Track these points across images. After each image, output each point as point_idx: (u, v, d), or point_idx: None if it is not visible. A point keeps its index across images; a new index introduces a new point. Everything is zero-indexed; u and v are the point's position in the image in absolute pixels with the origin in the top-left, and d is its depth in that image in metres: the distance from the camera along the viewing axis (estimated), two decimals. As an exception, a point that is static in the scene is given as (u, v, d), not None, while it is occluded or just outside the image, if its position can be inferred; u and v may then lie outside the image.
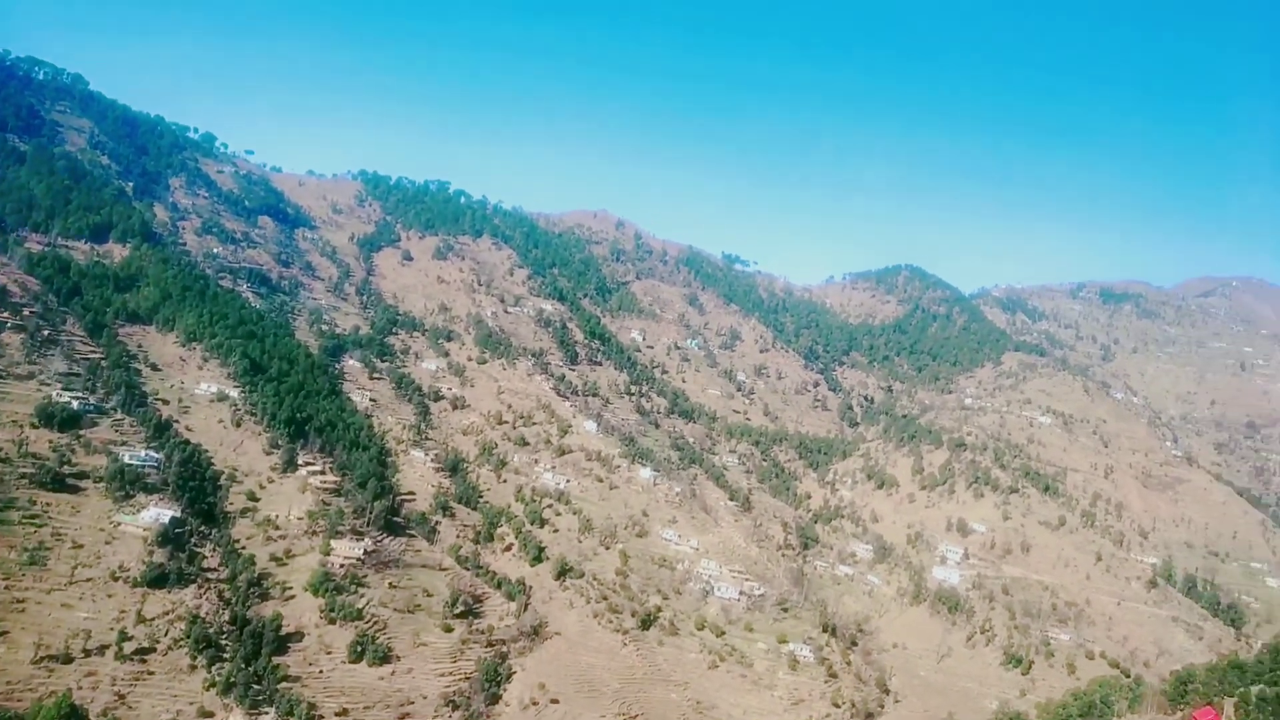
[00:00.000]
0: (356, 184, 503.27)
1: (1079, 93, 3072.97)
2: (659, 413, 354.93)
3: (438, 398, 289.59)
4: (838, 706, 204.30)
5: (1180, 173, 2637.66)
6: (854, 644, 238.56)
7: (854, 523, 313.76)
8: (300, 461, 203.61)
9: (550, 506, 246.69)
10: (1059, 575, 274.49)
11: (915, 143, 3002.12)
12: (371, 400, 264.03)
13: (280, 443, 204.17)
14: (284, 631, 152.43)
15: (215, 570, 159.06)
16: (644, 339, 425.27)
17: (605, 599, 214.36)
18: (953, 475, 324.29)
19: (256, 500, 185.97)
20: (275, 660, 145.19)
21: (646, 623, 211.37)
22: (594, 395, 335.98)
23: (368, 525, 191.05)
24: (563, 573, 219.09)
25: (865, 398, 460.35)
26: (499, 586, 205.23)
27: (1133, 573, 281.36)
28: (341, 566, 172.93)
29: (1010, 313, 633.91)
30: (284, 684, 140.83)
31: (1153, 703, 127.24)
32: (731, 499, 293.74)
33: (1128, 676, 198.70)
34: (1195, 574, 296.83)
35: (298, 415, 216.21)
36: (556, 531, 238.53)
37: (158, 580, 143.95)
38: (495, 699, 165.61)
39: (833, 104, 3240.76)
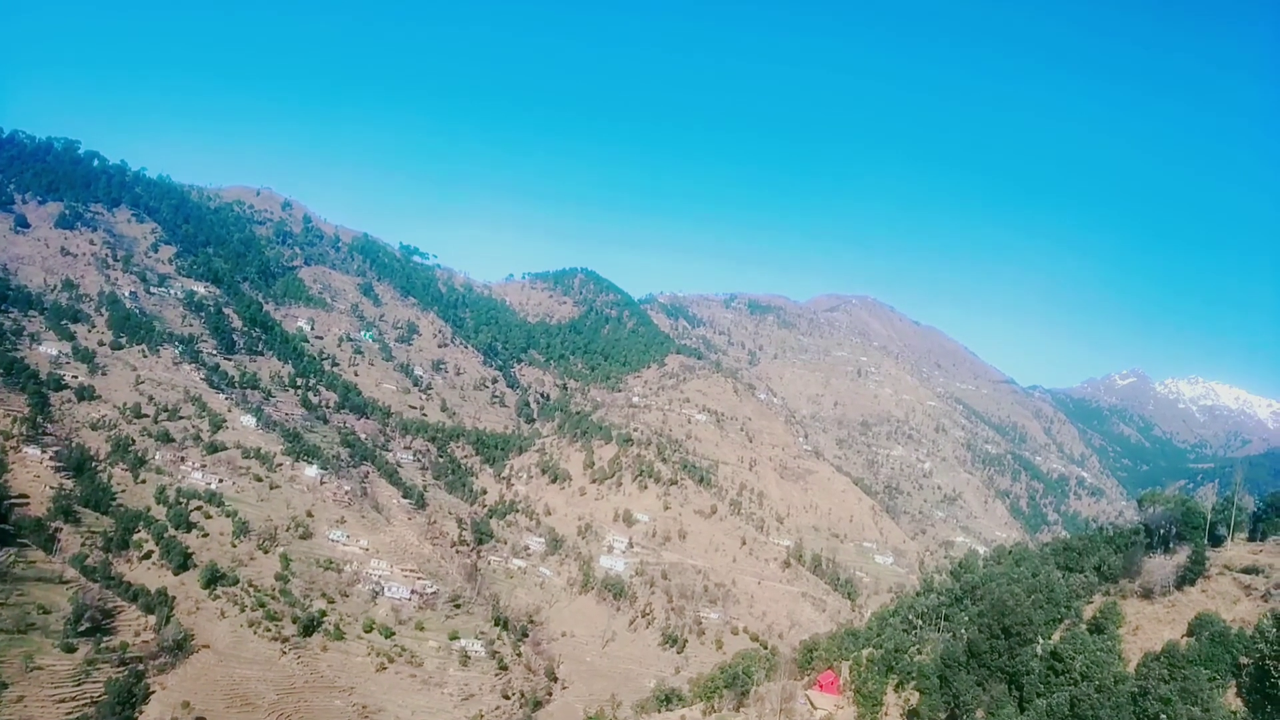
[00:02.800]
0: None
1: (718, 133, 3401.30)
2: (328, 407, 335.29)
3: (60, 386, 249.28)
4: (508, 698, 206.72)
5: (803, 203, 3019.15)
6: (525, 635, 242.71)
7: (528, 517, 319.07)
8: None
9: (199, 508, 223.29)
10: (710, 559, 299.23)
11: (588, 158, 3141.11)
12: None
13: None
14: None
15: None
16: (313, 329, 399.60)
17: (263, 606, 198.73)
18: (621, 469, 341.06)
19: None
20: None
21: (309, 628, 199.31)
22: (254, 388, 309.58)
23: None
24: (213, 580, 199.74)
25: (542, 395, 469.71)
26: (135, 599, 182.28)
27: (771, 554, 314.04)
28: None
29: (674, 318, 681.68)
30: None
31: (786, 670, 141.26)
32: (405, 496, 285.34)
33: (766, 648, 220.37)
34: (820, 554, 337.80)
35: None
36: (206, 536, 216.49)
37: None
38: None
39: (508, 118, 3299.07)
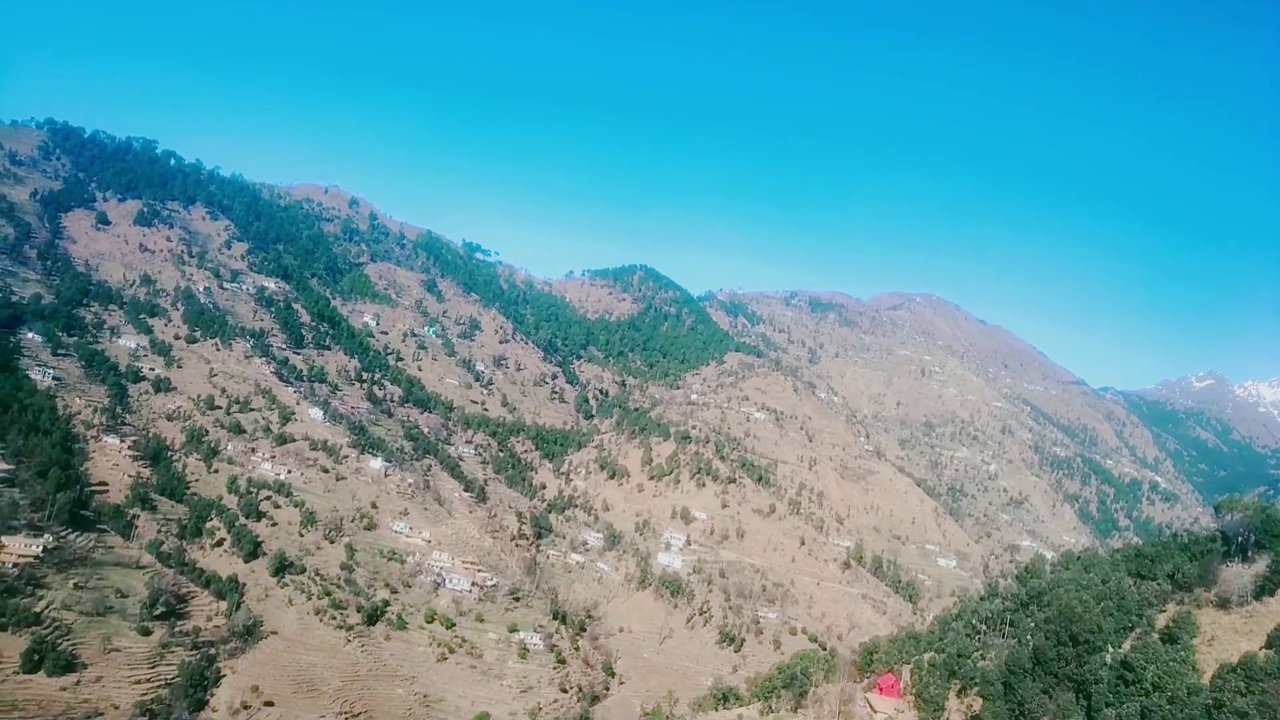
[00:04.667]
0: (41, 133, 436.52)
1: (780, 134, 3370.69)
2: (392, 401, 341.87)
3: (138, 379, 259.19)
4: (565, 692, 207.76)
5: (866, 200, 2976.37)
6: (583, 630, 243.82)
7: (586, 512, 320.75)
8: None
9: (269, 498, 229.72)
10: (769, 558, 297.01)
11: (648, 155, 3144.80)
12: (56, 379, 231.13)
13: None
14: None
15: None
16: (378, 324, 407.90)
17: (328, 594, 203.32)
18: (678, 466, 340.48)
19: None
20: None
21: (373, 618, 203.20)
22: (321, 381, 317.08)
23: (49, 519, 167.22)
24: (281, 568, 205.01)
25: (600, 391, 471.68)
26: (207, 584, 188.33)
27: (830, 555, 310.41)
28: (15, 565, 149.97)
29: (733, 315, 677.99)
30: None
31: (845, 672, 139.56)
32: (466, 490, 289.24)
33: (824, 649, 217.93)
34: (881, 556, 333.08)
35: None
36: (275, 525, 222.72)
37: None
38: (201, 705, 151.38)
39: (570, 118, 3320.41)
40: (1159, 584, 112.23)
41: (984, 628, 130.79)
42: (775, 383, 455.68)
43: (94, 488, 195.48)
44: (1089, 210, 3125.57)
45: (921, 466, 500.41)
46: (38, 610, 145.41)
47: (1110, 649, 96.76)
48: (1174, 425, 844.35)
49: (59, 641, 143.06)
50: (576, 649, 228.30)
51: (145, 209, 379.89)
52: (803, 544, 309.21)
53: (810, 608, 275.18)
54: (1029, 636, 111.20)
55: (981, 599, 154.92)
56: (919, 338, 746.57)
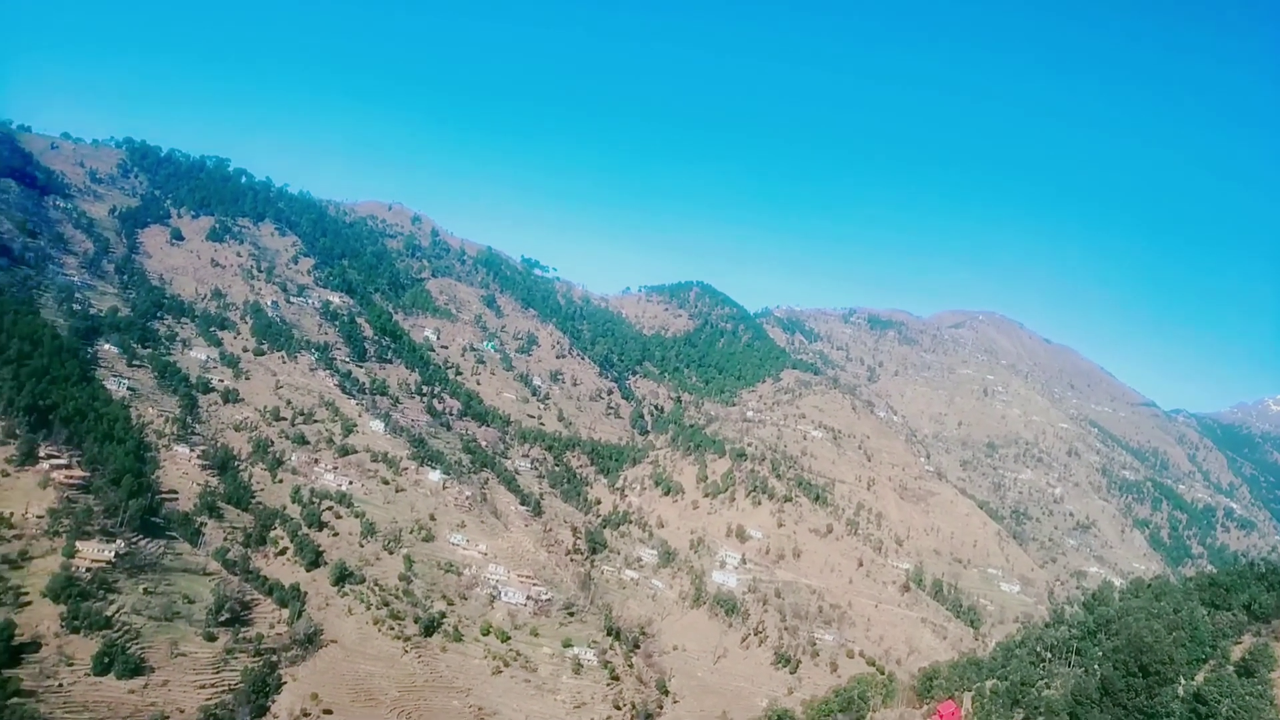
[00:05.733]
0: (120, 152, 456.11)
1: (848, 145, 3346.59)
2: (451, 414, 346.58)
3: (207, 390, 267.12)
4: (619, 709, 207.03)
5: (926, 213, 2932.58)
6: (637, 647, 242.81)
7: (641, 528, 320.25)
8: (41, 454, 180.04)
9: (330, 509, 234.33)
10: (826, 579, 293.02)
11: (705, 172, 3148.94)
12: (130, 389, 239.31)
13: (18, 432, 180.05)
14: (17, 641, 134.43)
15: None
16: (438, 338, 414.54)
17: (387, 605, 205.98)
18: (734, 484, 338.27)
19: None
20: (6, 673, 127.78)
21: (430, 629, 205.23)
22: (383, 394, 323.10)
23: (121, 525, 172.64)
24: (342, 578, 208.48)
25: (656, 407, 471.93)
26: (270, 592, 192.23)
27: (889, 577, 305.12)
28: (88, 570, 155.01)
29: (790, 333, 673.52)
30: (15, 699, 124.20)
31: (903, 698, 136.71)
32: (523, 503, 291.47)
33: (882, 673, 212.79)
34: (942, 579, 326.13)
35: (40, 402, 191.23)
36: (336, 535, 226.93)
37: None
38: (263, 711, 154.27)
39: (627, 133, 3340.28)
40: (1234, 614, 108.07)
41: (1049, 656, 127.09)
42: (833, 401, 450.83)
43: (164, 495, 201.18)
44: (1159, 230, 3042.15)
45: (984, 488, 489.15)
46: (109, 614, 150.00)
47: (1182, 681, 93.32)
48: (1250, 450, 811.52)
49: (128, 645, 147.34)
50: (630, 666, 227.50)
51: (217, 225, 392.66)
52: (860, 565, 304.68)
53: (868, 630, 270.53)
54: (1096, 666, 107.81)
55: (1047, 626, 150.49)
56: (981, 356, 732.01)
